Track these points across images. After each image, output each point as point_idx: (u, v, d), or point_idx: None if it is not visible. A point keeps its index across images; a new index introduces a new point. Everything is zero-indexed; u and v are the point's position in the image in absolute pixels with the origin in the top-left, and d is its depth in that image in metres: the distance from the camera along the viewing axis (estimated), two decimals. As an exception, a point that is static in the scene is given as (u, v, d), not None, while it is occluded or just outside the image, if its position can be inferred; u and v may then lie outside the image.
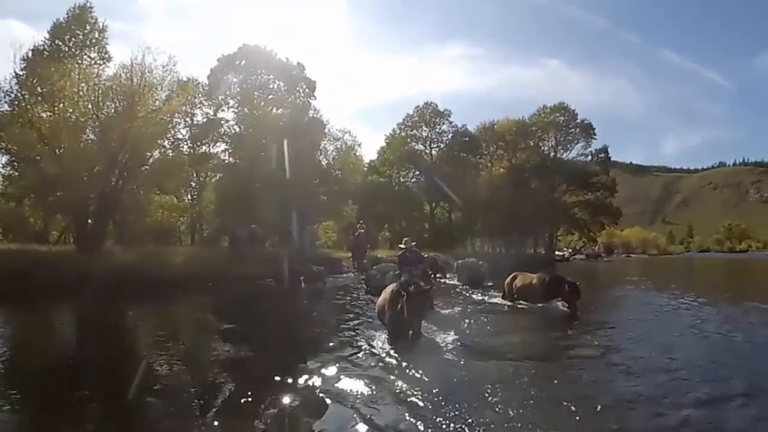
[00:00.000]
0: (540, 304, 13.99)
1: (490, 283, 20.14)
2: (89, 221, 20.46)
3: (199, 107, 36.25)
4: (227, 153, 38.36)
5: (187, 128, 35.98)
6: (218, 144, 38.45)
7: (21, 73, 23.00)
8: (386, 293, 9.96)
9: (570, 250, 70.47)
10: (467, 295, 17.72)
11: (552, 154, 61.38)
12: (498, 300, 15.64)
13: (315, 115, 39.55)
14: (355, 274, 24.94)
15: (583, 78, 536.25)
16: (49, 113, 20.61)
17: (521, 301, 14.62)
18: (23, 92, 21.99)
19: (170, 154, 31.75)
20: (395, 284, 9.67)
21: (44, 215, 27.74)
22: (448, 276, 23.08)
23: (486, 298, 16.59)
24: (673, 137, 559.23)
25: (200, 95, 35.04)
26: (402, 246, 12.46)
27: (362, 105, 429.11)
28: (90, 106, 20.34)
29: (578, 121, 60.69)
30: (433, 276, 20.26)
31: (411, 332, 8.88)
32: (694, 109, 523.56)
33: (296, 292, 18.53)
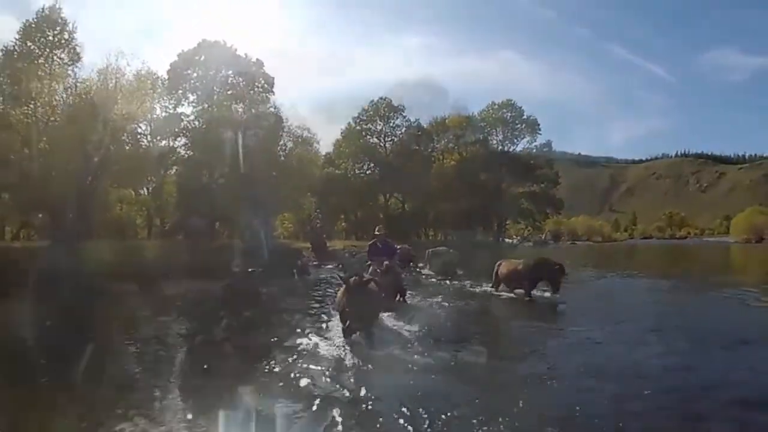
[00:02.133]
0: (526, 290, 13.84)
1: (461, 272, 19.99)
2: (69, 217, 21.40)
3: (159, 102, 36.80)
4: (187, 147, 39.18)
5: (146, 123, 36.46)
6: (178, 138, 39.15)
7: (-7, 75, 23.64)
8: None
9: (518, 238, 73.17)
10: (443, 284, 17.62)
11: (499, 147, 63.97)
12: (478, 289, 15.56)
13: (273, 110, 40.66)
14: (320, 265, 24.97)
15: (535, 70, 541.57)
16: (24, 115, 21.41)
17: (508, 288, 14.44)
18: (-4, 94, 22.65)
19: (128, 149, 32.51)
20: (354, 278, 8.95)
21: (20, 213, 28.06)
22: (419, 266, 22.45)
23: (463, 286, 16.55)
24: (619, 129, 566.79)
25: (160, 90, 35.69)
26: (377, 233, 11.40)
27: (319, 95, 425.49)
28: (65, 108, 21.31)
29: (524, 117, 63.61)
30: (413, 267, 20.62)
31: (347, 323, 8.48)
32: (640, 102, 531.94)
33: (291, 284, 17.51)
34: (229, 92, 39.96)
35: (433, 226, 62.82)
